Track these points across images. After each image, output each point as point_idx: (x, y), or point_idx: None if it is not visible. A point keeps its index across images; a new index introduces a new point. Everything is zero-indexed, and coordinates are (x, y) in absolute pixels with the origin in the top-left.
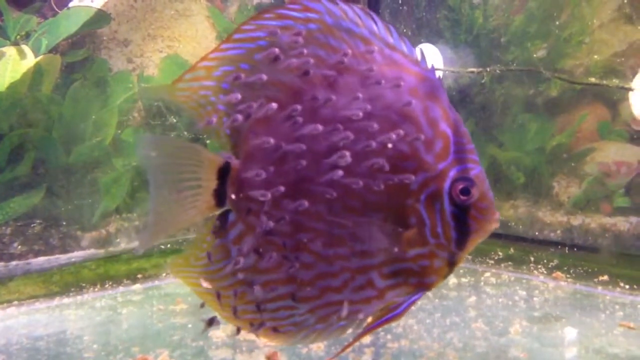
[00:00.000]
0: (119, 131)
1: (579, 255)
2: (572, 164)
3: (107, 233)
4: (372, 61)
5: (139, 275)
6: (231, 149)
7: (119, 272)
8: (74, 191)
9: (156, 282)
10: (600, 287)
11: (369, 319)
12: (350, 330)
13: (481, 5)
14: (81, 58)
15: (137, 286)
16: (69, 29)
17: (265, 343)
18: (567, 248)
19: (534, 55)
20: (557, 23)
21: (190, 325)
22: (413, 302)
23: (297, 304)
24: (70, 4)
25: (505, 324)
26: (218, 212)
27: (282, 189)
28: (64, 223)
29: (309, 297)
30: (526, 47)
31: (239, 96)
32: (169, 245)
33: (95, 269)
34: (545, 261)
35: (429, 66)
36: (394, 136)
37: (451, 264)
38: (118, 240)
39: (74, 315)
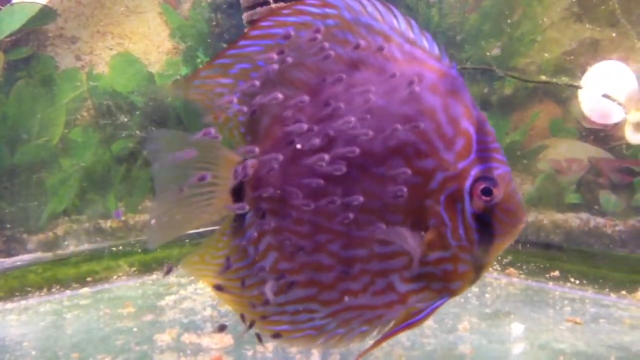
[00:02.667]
0: (67, 130)
1: (531, 251)
2: (525, 162)
3: (54, 235)
4: (391, 57)
5: (89, 279)
6: None
7: (68, 276)
8: (19, 193)
9: (106, 286)
10: (551, 283)
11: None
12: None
13: (437, 4)
14: (25, 55)
15: (86, 290)
16: (12, 25)
17: (211, 347)
18: (520, 245)
19: (488, 54)
20: (510, 22)
21: (135, 329)
22: (436, 309)
23: (317, 307)
24: (14, 0)
25: (455, 321)
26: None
27: (300, 187)
28: (9, 226)
29: (329, 301)
30: (480, 45)
31: (235, 98)
32: (120, 247)
33: (42, 273)
34: (499, 257)
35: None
36: (399, 127)
37: (477, 269)
38: (66, 242)
39: (16, 320)
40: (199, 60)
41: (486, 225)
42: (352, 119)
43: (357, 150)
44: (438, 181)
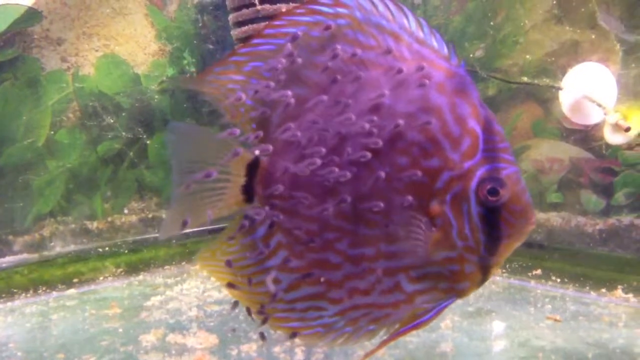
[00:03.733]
0: (53, 132)
1: (515, 250)
2: None
3: (41, 237)
4: (400, 56)
5: (75, 280)
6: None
7: (54, 277)
8: (5, 194)
9: (92, 287)
10: (533, 281)
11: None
12: (381, 334)
13: (422, 6)
14: (10, 57)
15: (72, 291)
16: None
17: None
18: None
19: (471, 55)
20: (493, 24)
21: (121, 330)
22: (442, 309)
23: (326, 305)
24: None
25: (438, 319)
26: (247, 207)
27: (309, 186)
28: None
29: (337, 299)
30: (464, 47)
31: (243, 96)
32: (107, 248)
33: (28, 274)
34: None
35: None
36: (401, 122)
37: (484, 270)
38: (53, 244)
39: (2, 322)
40: (185, 62)
41: (493, 226)
42: (358, 120)
43: (369, 154)
44: (444, 181)
